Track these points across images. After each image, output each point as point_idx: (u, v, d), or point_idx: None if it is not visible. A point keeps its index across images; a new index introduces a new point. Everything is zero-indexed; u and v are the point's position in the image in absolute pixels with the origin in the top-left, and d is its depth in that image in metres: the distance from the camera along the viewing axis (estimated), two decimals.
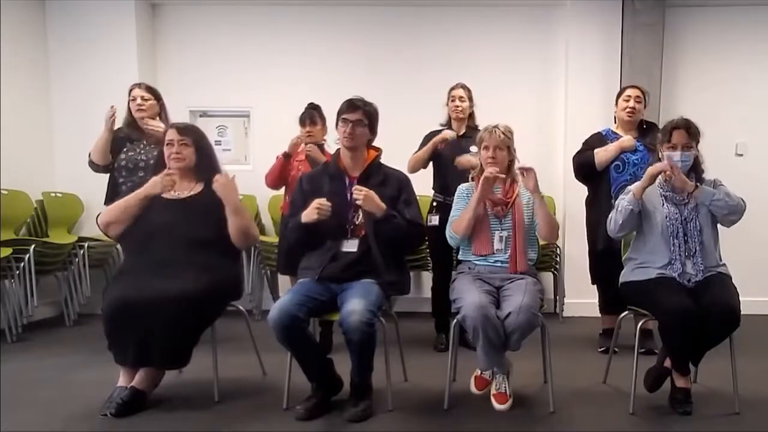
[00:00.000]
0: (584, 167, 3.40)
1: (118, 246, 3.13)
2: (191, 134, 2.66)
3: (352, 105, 2.53)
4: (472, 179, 2.76)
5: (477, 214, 2.58)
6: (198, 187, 2.67)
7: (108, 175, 3.39)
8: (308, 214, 2.42)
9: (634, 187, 2.58)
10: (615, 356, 2.90)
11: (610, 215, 2.66)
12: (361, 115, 2.52)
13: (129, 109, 3.35)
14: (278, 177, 3.60)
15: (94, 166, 3.38)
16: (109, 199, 3.30)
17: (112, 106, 3.27)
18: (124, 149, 3.31)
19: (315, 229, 2.47)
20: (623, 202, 2.59)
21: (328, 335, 3.36)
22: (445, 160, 3.48)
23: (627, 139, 3.29)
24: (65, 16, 4.56)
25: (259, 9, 4.80)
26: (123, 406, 2.35)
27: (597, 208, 3.39)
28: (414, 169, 3.50)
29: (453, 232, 2.66)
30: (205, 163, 2.69)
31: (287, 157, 3.56)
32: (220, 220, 2.59)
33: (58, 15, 4.57)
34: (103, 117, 3.26)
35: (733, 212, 2.54)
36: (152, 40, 4.79)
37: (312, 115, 3.53)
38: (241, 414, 2.45)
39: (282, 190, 3.76)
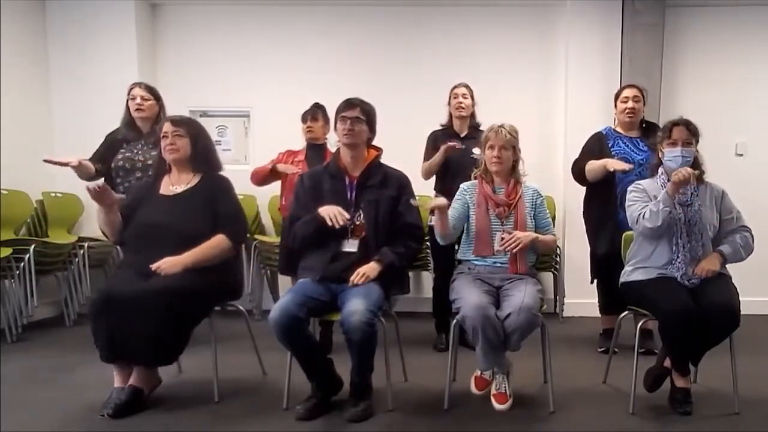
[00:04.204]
0: (582, 177, 3.41)
1: (118, 246, 3.12)
2: (185, 126, 2.65)
3: (349, 103, 2.55)
4: (475, 178, 2.76)
5: (442, 217, 2.56)
6: (195, 180, 2.66)
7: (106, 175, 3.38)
8: (328, 212, 2.42)
9: (665, 195, 2.49)
10: (615, 356, 2.90)
11: (640, 214, 2.53)
12: (359, 113, 2.53)
13: (127, 108, 3.32)
14: (263, 180, 3.62)
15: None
16: None
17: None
18: (122, 149, 3.27)
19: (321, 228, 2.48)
20: (656, 206, 2.48)
21: (328, 335, 3.36)
22: (446, 160, 3.47)
23: (614, 162, 3.18)
24: (65, 16, 4.56)
25: (259, 9, 4.80)
26: (120, 406, 2.35)
27: (602, 208, 3.37)
28: (428, 177, 3.57)
29: (437, 233, 2.66)
30: (201, 155, 2.68)
31: (273, 171, 3.55)
32: (217, 215, 2.59)
33: (58, 15, 4.57)
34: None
35: (744, 258, 2.58)
36: (152, 40, 4.79)
37: (315, 111, 3.53)
38: (241, 414, 2.45)
39: (279, 191, 3.76)
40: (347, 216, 2.44)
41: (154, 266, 2.41)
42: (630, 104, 3.35)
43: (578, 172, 3.43)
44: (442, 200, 2.54)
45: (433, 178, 3.62)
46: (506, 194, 2.66)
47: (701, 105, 4.51)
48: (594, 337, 3.61)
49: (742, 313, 2.35)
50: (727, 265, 2.61)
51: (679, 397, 2.47)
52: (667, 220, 2.49)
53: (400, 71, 4.78)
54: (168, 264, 2.42)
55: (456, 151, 3.38)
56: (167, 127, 2.62)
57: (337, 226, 2.41)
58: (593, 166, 3.29)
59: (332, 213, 2.42)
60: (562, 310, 4.56)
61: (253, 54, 4.82)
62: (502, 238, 2.56)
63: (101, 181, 2.47)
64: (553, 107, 4.78)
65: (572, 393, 2.70)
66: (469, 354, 2.75)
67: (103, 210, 2.52)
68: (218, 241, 2.55)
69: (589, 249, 3.55)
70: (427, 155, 3.56)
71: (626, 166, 3.15)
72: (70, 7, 4.55)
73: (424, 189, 3.52)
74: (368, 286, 2.40)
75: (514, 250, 2.54)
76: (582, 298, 4.17)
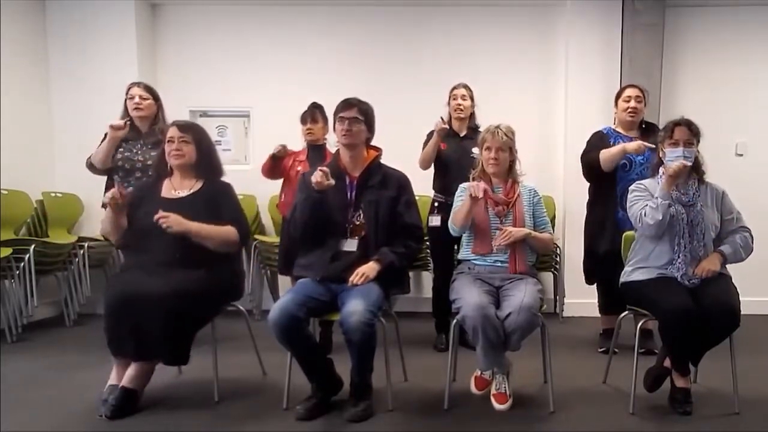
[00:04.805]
0: (592, 168, 3.36)
1: (120, 250, 3.13)
2: (192, 131, 2.66)
3: (347, 103, 2.55)
4: (473, 179, 2.76)
5: (472, 206, 2.57)
6: (198, 185, 2.66)
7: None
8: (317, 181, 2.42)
9: (662, 189, 2.51)
10: (615, 356, 2.90)
11: (641, 212, 2.54)
12: (357, 113, 2.53)
13: (126, 107, 3.31)
14: (269, 171, 3.66)
15: (93, 169, 3.34)
16: None
17: (125, 122, 3.23)
18: (120, 149, 3.26)
19: (320, 222, 2.48)
20: (655, 203, 2.50)
21: (328, 335, 3.36)
22: (446, 160, 3.48)
23: (634, 144, 3.17)
24: (65, 16, 4.56)
25: (259, 9, 4.80)
26: (117, 408, 2.35)
27: (602, 208, 3.37)
28: (425, 166, 3.55)
29: (452, 224, 2.68)
30: (205, 161, 2.68)
31: (275, 158, 3.59)
32: (219, 219, 2.59)
33: (58, 15, 4.57)
34: (108, 124, 3.20)
35: (744, 258, 2.59)
36: (152, 40, 4.79)
37: (313, 113, 3.54)
38: (241, 414, 2.45)
39: (279, 191, 3.77)
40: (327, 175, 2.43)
41: (160, 214, 2.39)
42: (632, 104, 3.35)
43: (589, 162, 3.35)
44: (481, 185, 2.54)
45: (433, 178, 3.62)
46: (504, 193, 2.67)
47: (701, 105, 4.51)
48: (594, 337, 3.61)
49: (742, 313, 2.35)
50: (727, 265, 2.61)
51: (679, 397, 2.47)
52: (668, 213, 2.48)
53: (400, 71, 4.78)
54: (174, 219, 2.41)
55: (444, 127, 3.37)
56: (174, 132, 2.62)
57: (318, 179, 2.40)
58: (608, 153, 3.25)
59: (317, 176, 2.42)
60: (562, 310, 4.55)
61: (253, 54, 4.82)
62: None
63: (116, 190, 2.48)
64: (553, 107, 4.78)
65: (572, 393, 2.70)
66: (469, 354, 2.75)
67: (114, 215, 2.52)
68: (228, 230, 2.57)
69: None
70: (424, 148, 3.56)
71: (643, 145, 3.14)
72: (70, 7, 4.55)
73: (424, 189, 3.52)
74: (368, 286, 2.41)
75: (504, 243, 2.54)
76: (582, 298, 4.17)
